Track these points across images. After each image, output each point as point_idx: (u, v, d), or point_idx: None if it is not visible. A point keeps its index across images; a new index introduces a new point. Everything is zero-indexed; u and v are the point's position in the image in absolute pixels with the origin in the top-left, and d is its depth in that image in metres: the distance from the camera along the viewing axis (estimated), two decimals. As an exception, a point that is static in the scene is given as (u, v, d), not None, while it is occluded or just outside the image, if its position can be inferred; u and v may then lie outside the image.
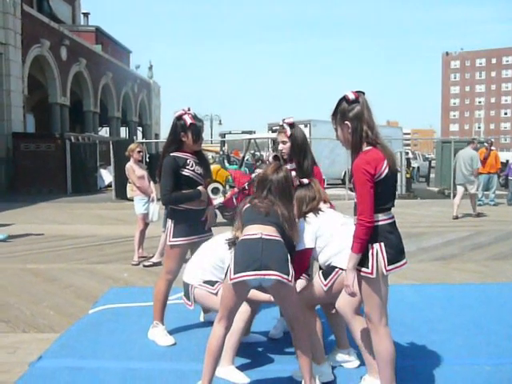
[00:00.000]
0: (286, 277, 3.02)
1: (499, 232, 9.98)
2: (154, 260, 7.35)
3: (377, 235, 2.95)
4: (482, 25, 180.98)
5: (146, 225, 7.74)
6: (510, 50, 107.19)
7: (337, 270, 3.44)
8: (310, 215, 3.56)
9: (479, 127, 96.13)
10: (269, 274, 3.00)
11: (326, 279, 3.47)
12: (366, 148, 3.00)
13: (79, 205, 16.20)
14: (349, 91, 3.05)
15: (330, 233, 3.51)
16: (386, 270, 2.96)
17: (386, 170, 2.94)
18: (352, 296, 3.05)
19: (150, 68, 43.22)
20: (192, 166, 4.18)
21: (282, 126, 4.00)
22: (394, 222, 3.05)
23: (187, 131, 4.12)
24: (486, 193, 15.31)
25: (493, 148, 15.48)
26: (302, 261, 3.54)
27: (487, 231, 10.12)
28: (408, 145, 66.64)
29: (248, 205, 3.36)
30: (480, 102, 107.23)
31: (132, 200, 8.09)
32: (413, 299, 5.48)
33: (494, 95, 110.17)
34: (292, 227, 3.29)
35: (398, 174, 14.20)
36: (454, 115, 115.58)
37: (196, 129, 4.14)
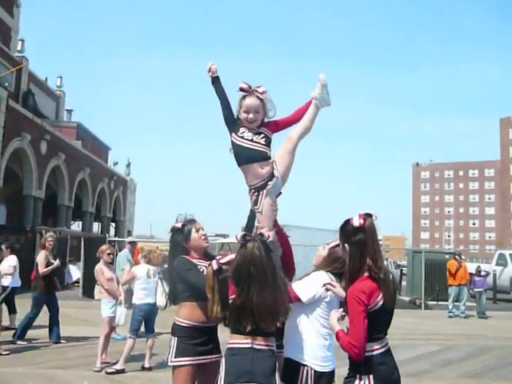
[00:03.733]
0: None
1: (470, 347, 9.91)
2: (118, 367, 7.03)
3: (367, 367, 2.82)
4: (450, 139, 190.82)
5: (112, 328, 7.51)
6: (475, 164, 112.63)
7: (301, 368, 3.14)
8: (332, 277, 3.32)
9: (449, 236, 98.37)
10: None
11: None
12: (363, 275, 2.89)
13: (43, 301, 15.62)
14: (356, 215, 2.94)
15: (321, 314, 3.25)
16: None
17: (381, 302, 2.85)
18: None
19: (128, 165, 43.82)
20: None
21: None
22: (389, 349, 2.94)
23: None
24: (456, 304, 15.38)
25: (463, 257, 15.80)
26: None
27: (458, 346, 10.05)
28: (380, 251, 67.29)
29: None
30: (449, 212, 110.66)
31: (99, 300, 7.90)
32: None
33: (463, 205, 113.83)
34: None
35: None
36: (425, 223, 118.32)
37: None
